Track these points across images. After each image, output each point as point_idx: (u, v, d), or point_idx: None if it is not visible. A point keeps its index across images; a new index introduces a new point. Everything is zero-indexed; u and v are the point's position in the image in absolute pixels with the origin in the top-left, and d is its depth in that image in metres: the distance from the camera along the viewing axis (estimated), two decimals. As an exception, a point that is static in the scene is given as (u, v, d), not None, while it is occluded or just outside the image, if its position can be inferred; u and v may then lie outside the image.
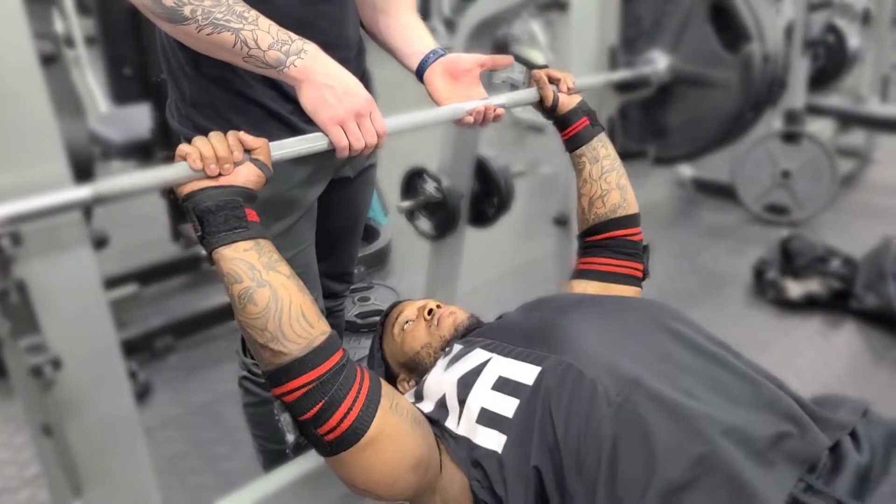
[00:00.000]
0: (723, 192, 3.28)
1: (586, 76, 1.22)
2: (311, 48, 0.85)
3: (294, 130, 0.98)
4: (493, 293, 2.51)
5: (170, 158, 0.83)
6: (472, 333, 0.99)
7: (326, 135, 0.86)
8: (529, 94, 1.11)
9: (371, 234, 2.25)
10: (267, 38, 0.83)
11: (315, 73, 0.84)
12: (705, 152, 2.12)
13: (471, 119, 1.02)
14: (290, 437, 1.34)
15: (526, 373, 0.82)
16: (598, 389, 0.77)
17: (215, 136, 0.80)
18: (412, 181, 1.88)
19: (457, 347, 0.93)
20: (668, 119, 1.93)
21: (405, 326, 1.06)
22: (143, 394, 1.98)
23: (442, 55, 1.05)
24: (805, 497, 0.70)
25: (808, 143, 2.95)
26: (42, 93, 0.79)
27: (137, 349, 2.11)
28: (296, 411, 0.77)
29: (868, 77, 3.60)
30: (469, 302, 1.10)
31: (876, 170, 3.70)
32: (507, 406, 0.81)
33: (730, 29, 1.81)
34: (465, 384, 0.85)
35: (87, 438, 0.90)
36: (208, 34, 0.81)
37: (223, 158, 0.78)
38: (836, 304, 2.28)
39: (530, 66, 1.18)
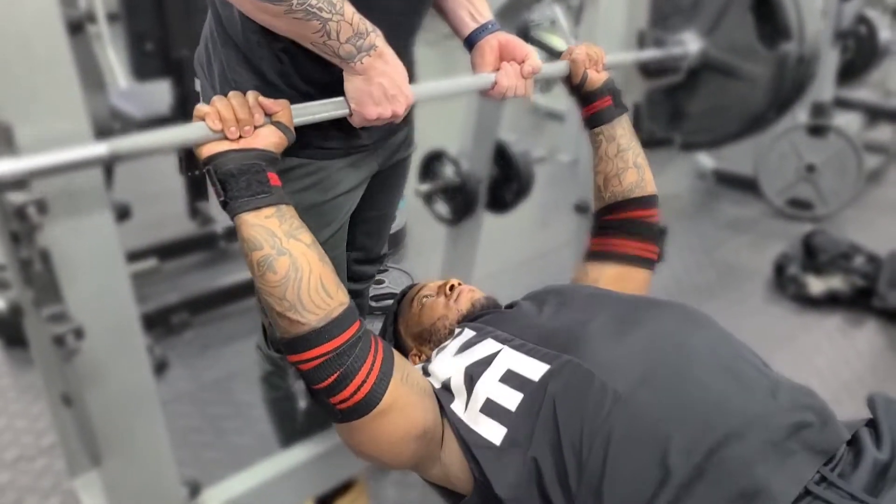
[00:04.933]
0: (744, 185, 3.23)
1: (614, 54, 1.18)
2: (380, 43, 0.84)
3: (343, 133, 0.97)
4: (509, 280, 2.50)
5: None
6: (483, 319, 0.98)
7: (353, 119, 0.87)
8: (560, 67, 1.08)
9: (388, 216, 2.23)
10: (347, 31, 0.80)
11: (375, 70, 0.83)
12: (721, 144, 2.06)
13: (500, 92, 1.00)
14: (303, 404, 1.34)
15: (533, 369, 0.81)
16: (607, 388, 0.75)
17: (235, 96, 0.78)
18: (431, 164, 1.87)
19: (468, 333, 0.92)
20: (689, 104, 1.86)
21: (424, 301, 1.06)
22: (159, 368, 1.99)
23: (499, 30, 1.04)
24: (818, 490, 0.67)
25: (834, 136, 2.89)
26: (69, 62, 0.78)
27: (154, 324, 2.13)
28: (310, 380, 0.77)
29: (899, 71, 3.51)
30: (484, 287, 1.09)
31: (903, 167, 3.62)
32: (511, 399, 0.80)
33: (770, 23, 1.73)
34: (474, 372, 0.84)
35: (107, 409, 0.90)
36: (297, 18, 0.78)
37: (243, 120, 0.77)
38: (859, 301, 2.24)
39: (553, 53, 1.16)
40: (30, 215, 0.70)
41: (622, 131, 1.11)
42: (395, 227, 2.36)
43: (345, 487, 1.42)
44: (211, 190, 0.78)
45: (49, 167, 0.71)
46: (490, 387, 0.82)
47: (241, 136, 0.77)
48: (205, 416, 1.84)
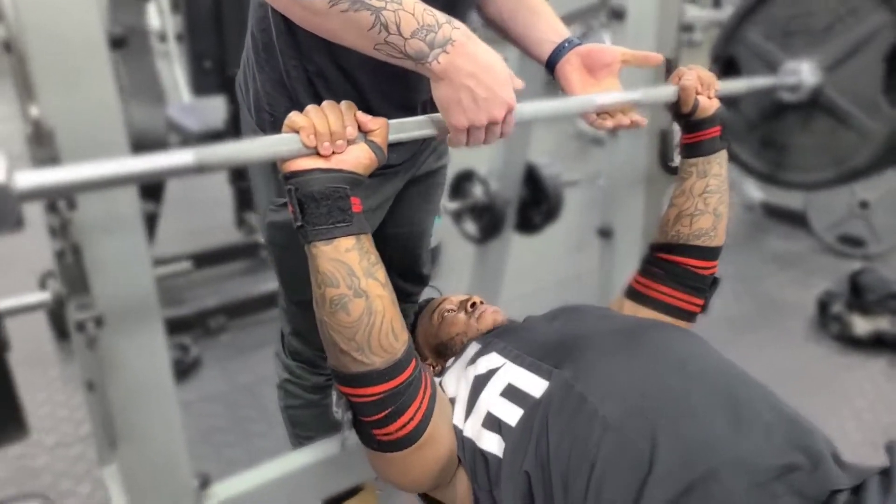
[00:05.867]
0: (793, 219, 3.13)
1: (724, 81, 1.05)
2: (460, 35, 0.71)
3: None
4: (538, 302, 2.47)
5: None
6: (492, 333, 0.99)
7: (450, 133, 0.76)
8: (668, 92, 0.99)
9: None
10: (411, 23, 0.69)
11: (458, 70, 0.71)
12: (810, 188, 1.81)
13: (607, 124, 0.93)
14: (348, 435, 1.30)
15: (535, 385, 0.82)
16: (597, 414, 0.75)
17: (330, 107, 0.72)
18: (461, 183, 1.91)
19: (475, 346, 0.94)
20: (791, 134, 1.63)
21: (445, 314, 1.07)
22: (193, 367, 2.08)
23: (578, 44, 0.95)
24: None
25: (890, 172, 2.76)
26: (107, 72, 0.85)
27: (193, 326, 2.23)
28: (360, 412, 0.78)
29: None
30: (513, 309, 1.10)
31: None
32: (511, 414, 0.81)
33: None
34: (477, 387, 0.86)
35: (124, 395, 0.96)
36: (343, 11, 0.69)
37: (336, 134, 0.71)
38: (907, 344, 2.13)
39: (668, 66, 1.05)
40: (61, 209, 0.76)
41: (717, 169, 1.03)
42: (431, 244, 2.41)
43: (353, 491, 1.44)
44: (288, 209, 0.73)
45: (140, 173, 0.68)
46: (491, 401, 0.83)
47: (333, 152, 0.71)
48: (232, 417, 1.91)
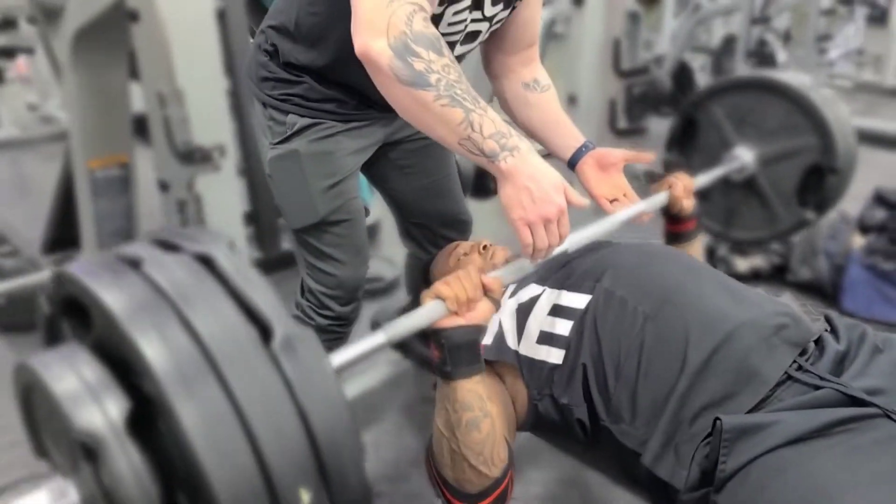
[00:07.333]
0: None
1: (696, 179, 1.35)
2: (525, 146, 0.87)
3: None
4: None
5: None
6: None
7: (515, 231, 0.90)
8: (662, 198, 1.26)
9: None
10: (490, 127, 0.85)
11: (520, 174, 0.86)
12: (756, 243, 2.29)
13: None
14: None
15: (578, 300, 1.01)
16: (637, 310, 0.95)
17: (466, 278, 0.92)
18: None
19: (511, 286, 1.11)
20: (739, 202, 2.00)
21: (461, 258, 1.23)
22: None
23: (592, 148, 1.20)
24: (797, 374, 0.87)
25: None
26: (215, 41, 0.96)
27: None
28: None
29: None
30: None
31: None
32: (563, 326, 0.99)
33: (812, 189, 1.86)
34: (524, 312, 1.03)
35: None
36: (442, 105, 0.83)
37: (472, 299, 0.90)
38: (776, 276, 2.62)
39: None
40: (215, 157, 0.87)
41: (697, 247, 1.31)
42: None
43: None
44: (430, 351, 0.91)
45: (351, 360, 0.79)
46: (541, 321, 1.01)
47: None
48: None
